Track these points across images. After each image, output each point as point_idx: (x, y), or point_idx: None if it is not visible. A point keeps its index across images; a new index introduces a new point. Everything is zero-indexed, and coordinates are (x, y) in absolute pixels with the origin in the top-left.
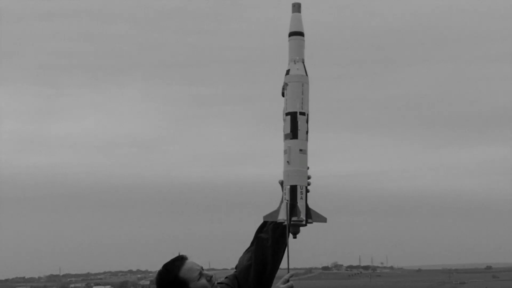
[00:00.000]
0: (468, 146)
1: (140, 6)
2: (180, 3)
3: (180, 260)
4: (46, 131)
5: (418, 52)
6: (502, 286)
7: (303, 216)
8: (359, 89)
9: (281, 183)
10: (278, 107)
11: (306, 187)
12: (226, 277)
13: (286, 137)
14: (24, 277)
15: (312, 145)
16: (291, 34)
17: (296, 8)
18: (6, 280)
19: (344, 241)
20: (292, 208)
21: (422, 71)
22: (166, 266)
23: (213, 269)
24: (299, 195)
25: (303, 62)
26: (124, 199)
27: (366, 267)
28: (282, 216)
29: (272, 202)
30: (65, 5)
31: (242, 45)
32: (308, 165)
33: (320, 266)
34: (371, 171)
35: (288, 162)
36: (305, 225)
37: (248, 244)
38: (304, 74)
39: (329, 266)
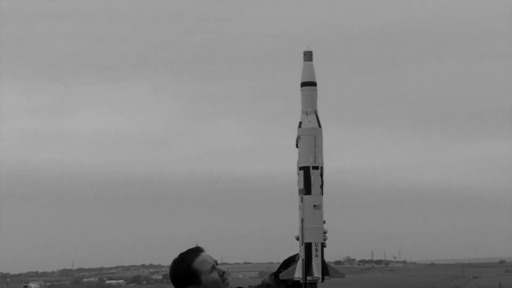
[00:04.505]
0: (481, 141)
1: (149, 5)
2: (190, 1)
3: (195, 251)
4: (57, 128)
5: (427, 49)
6: None
7: (318, 274)
8: (368, 86)
9: (298, 238)
10: (287, 103)
11: (322, 243)
12: (249, 286)
13: (300, 192)
14: (37, 272)
15: (325, 140)
16: (304, 84)
17: (308, 56)
18: (20, 275)
19: (357, 236)
20: (307, 267)
21: (429, 68)
22: (182, 256)
23: (225, 264)
24: (314, 253)
25: (315, 113)
26: (136, 195)
27: (378, 262)
28: (298, 275)
29: (281, 198)
30: (76, 5)
31: (252, 42)
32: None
33: (333, 261)
34: (383, 165)
35: (302, 219)
36: (322, 281)
37: (255, 241)
38: (317, 126)
39: (342, 260)
